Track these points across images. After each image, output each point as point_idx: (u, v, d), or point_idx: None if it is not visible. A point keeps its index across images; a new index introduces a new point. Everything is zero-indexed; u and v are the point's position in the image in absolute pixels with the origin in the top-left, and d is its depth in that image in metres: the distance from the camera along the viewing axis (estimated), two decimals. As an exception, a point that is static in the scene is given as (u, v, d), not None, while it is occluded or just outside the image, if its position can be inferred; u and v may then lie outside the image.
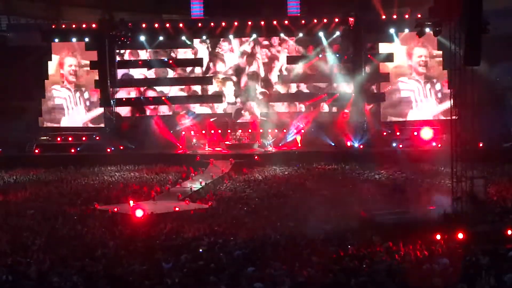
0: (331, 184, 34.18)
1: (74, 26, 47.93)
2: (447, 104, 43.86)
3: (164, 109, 49.49)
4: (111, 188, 34.98)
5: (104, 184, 36.35)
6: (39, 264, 18.86)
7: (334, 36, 46.66)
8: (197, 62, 49.16)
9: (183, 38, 47.92)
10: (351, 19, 44.19)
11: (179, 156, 44.68)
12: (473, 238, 20.93)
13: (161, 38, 47.71)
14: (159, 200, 31.90)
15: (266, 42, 48.77)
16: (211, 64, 49.17)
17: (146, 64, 49.12)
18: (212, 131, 47.32)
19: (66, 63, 48.30)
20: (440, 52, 45.21)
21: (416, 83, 46.69)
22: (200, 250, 20.39)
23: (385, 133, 45.75)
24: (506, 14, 41.87)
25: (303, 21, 46.98)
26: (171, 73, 49.45)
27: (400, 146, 43.88)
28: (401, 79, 46.73)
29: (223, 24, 47.28)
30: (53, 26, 48.51)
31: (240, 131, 47.45)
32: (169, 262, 18.53)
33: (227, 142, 46.84)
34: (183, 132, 47.26)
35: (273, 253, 19.55)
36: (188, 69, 49.54)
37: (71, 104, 48.65)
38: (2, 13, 53.24)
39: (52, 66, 48.38)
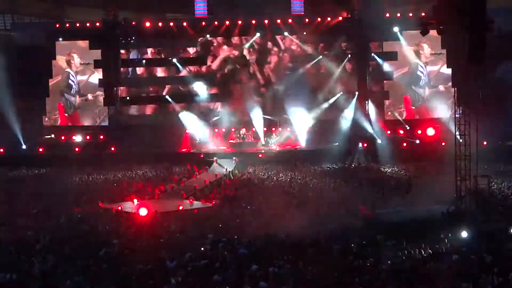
0: (334, 183, 34.27)
1: (78, 25, 48.01)
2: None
3: (166, 109, 49.47)
4: (115, 186, 35.03)
5: (108, 183, 36.39)
6: (43, 264, 18.89)
7: (338, 34, 46.61)
8: (201, 61, 49.17)
9: (187, 37, 47.96)
10: (355, 18, 44.23)
11: (183, 155, 44.71)
12: (477, 236, 20.92)
13: (165, 36, 47.74)
14: (163, 198, 31.94)
15: (270, 41, 48.75)
16: (214, 63, 49.17)
17: (150, 63, 49.11)
18: (216, 130, 47.33)
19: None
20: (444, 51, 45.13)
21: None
22: (202, 248, 20.42)
23: (389, 132, 45.65)
24: (510, 13, 41.83)
25: (307, 20, 46.96)
26: (174, 72, 49.46)
27: (404, 144, 43.86)
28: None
29: (227, 23, 47.30)
30: (57, 25, 48.54)
31: (244, 129, 47.44)
32: (173, 261, 18.56)
33: (231, 141, 46.84)
34: (187, 130, 47.26)
35: (277, 252, 19.57)
36: (192, 68, 49.52)
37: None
38: (6, 12, 53.31)
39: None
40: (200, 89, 49.21)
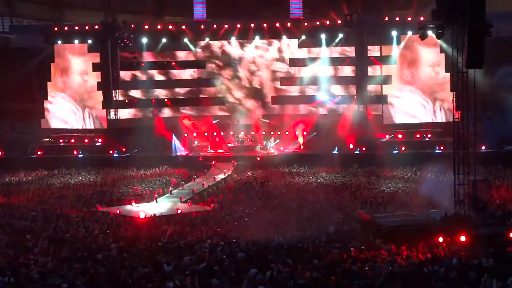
0: (332, 187, 34.26)
1: (76, 28, 47.80)
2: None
3: (166, 111, 49.40)
4: (114, 190, 34.99)
5: (106, 186, 36.36)
6: (41, 266, 18.86)
7: (337, 38, 46.63)
8: (199, 64, 49.17)
9: (186, 40, 47.94)
10: (353, 21, 44.28)
11: (182, 158, 44.66)
12: (476, 241, 20.92)
13: (163, 40, 47.71)
14: (162, 202, 31.89)
15: (268, 44, 48.74)
16: (213, 66, 49.17)
17: (149, 66, 49.05)
18: (215, 133, 47.31)
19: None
20: (443, 55, 45.10)
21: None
22: (198, 252, 20.39)
23: (387, 136, 45.58)
24: (508, 17, 41.89)
25: (305, 24, 46.94)
26: (173, 75, 49.44)
27: (403, 149, 43.83)
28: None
29: (226, 26, 47.25)
30: (56, 28, 48.37)
31: (242, 133, 47.42)
32: (171, 264, 18.53)
33: (230, 144, 46.82)
34: (186, 134, 47.22)
35: (275, 256, 19.55)
36: (191, 71, 49.48)
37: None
38: (4, 15, 53.32)
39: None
40: (199, 92, 49.25)
